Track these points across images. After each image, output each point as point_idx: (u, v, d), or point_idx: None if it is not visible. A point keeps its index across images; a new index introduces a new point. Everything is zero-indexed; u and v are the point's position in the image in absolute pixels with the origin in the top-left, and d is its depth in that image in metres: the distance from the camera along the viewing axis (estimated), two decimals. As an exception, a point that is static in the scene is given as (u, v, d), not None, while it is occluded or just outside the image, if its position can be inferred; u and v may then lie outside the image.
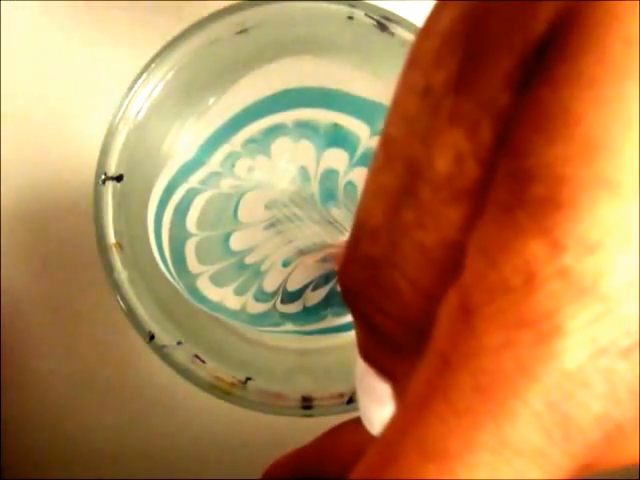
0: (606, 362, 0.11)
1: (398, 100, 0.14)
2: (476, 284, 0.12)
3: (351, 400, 0.30)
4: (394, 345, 0.15)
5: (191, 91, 0.30)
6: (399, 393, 0.16)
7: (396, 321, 0.15)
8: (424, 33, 0.13)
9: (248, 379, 0.30)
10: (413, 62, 0.13)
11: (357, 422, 0.19)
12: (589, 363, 0.11)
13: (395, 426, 0.13)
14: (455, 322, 0.12)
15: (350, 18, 0.28)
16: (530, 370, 0.11)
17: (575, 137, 0.11)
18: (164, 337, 0.30)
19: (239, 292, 0.31)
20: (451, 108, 0.13)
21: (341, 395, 0.30)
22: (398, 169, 0.14)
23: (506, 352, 0.12)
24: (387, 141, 0.14)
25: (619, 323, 0.11)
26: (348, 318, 0.31)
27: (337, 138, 0.30)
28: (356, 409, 0.29)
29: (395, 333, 0.15)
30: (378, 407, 0.16)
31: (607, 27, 0.11)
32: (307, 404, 0.30)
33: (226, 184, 0.31)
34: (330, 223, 0.31)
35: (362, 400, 0.17)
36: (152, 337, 0.29)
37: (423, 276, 0.14)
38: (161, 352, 0.30)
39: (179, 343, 0.30)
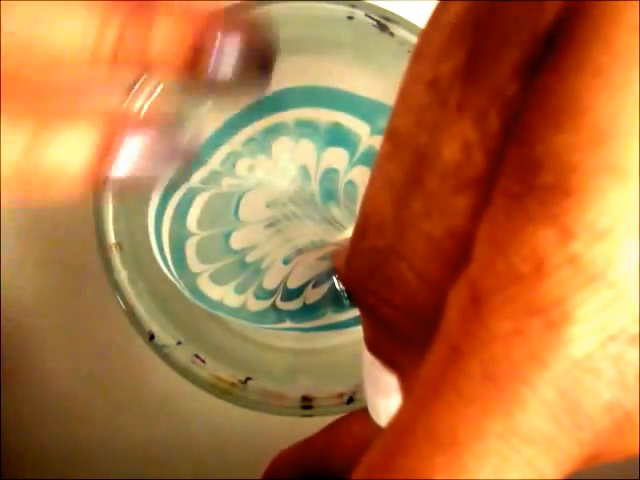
0: (615, 349, 0.11)
1: (405, 91, 0.14)
2: (485, 272, 0.12)
3: (351, 400, 0.30)
4: (400, 337, 0.15)
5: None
6: (406, 384, 0.16)
7: (402, 312, 0.15)
8: (432, 24, 0.13)
9: (248, 379, 0.30)
10: (421, 53, 0.14)
11: (363, 413, 0.19)
12: (598, 350, 0.11)
13: (404, 415, 0.13)
14: (464, 311, 0.12)
15: (350, 18, 0.28)
16: (539, 357, 0.12)
17: (583, 125, 0.11)
18: (164, 337, 0.30)
19: (239, 290, 0.31)
20: (458, 98, 0.13)
21: (341, 395, 0.30)
22: (405, 160, 0.14)
23: (515, 340, 0.12)
24: (394, 132, 0.14)
25: (628, 310, 0.11)
26: (348, 315, 0.31)
27: (337, 137, 0.30)
28: (356, 409, 0.29)
29: (401, 324, 0.15)
30: (385, 399, 0.16)
31: (614, 16, 0.11)
32: (307, 404, 0.30)
33: (227, 183, 0.31)
34: (330, 222, 0.31)
35: (369, 392, 0.17)
36: (152, 337, 0.29)
37: (430, 267, 0.14)
38: (161, 352, 0.30)
39: (179, 343, 0.30)
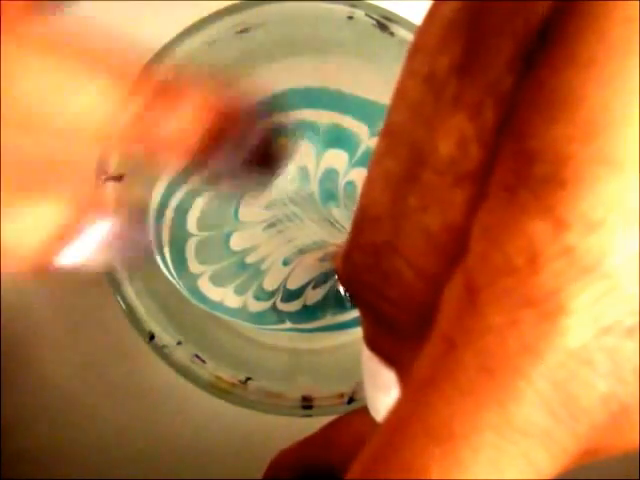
0: (611, 341, 0.11)
1: (402, 87, 0.14)
2: (480, 265, 0.12)
3: (351, 400, 0.30)
4: (398, 332, 0.15)
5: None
6: (404, 380, 0.16)
7: (400, 307, 0.15)
8: (428, 19, 0.13)
9: (248, 379, 0.30)
10: (417, 48, 0.14)
11: (362, 411, 0.19)
12: (593, 342, 0.11)
13: (400, 408, 0.13)
14: (460, 303, 0.12)
15: (350, 18, 0.29)
16: (534, 349, 0.12)
17: (577, 116, 0.11)
18: (164, 337, 0.30)
19: (239, 291, 0.31)
20: (454, 92, 0.13)
21: (341, 395, 0.30)
22: (402, 155, 0.14)
23: (511, 332, 0.12)
24: (391, 128, 0.14)
25: (623, 301, 0.11)
26: (348, 316, 0.31)
27: (337, 138, 0.30)
28: (356, 409, 0.29)
29: (399, 320, 0.15)
30: (384, 395, 0.16)
31: (607, 7, 0.11)
32: (307, 404, 0.30)
33: (226, 185, 0.31)
34: (330, 223, 0.31)
35: (368, 388, 0.17)
36: (152, 337, 0.29)
37: (427, 261, 0.14)
38: (161, 352, 0.30)
39: (179, 343, 0.30)
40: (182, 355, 0.30)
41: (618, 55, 0.11)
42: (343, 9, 0.28)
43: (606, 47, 0.11)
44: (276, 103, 0.30)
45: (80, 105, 0.17)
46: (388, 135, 0.14)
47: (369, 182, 0.15)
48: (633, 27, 0.11)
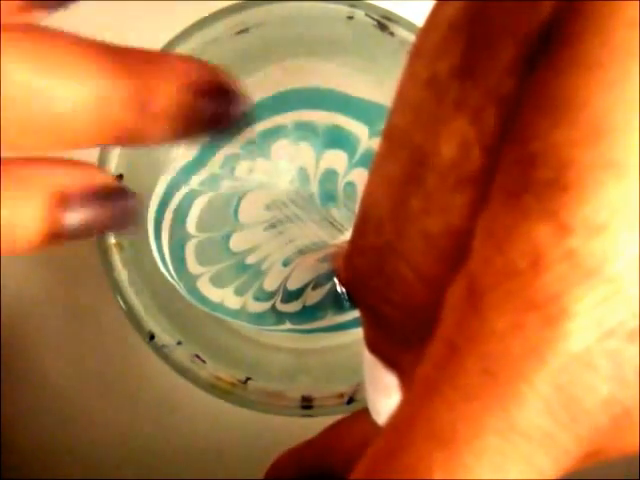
0: (613, 344, 0.12)
1: (403, 90, 0.14)
2: (483, 268, 0.12)
3: (351, 400, 0.30)
4: (400, 335, 0.15)
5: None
6: (405, 383, 0.16)
7: (401, 310, 0.15)
8: (429, 22, 0.13)
9: (248, 379, 0.30)
10: (418, 52, 0.14)
11: (363, 414, 0.19)
12: (596, 345, 0.11)
13: (403, 412, 0.13)
14: (462, 307, 0.12)
15: (350, 18, 0.29)
16: (537, 353, 0.12)
17: (580, 120, 0.11)
18: (164, 337, 0.30)
19: (239, 292, 0.31)
20: (456, 96, 0.13)
21: (341, 395, 0.30)
22: (403, 158, 0.14)
23: (513, 335, 0.12)
24: (392, 131, 0.14)
25: (626, 305, 0.11)
26: (348, 316, 0.31)
27: (336, 139, 0.30)
28: (356, 409, 0.29)
29: (400, 323, 0.15)
30: (385, 398, 0.16)
31: (611, 10, 0.11)
32: (307, 404, 0.30)
33: (226, 185, 0.31)
34: (330, 223, 0.31)
35: (369, 391, 0.17)
36: (152, 337, 0.29)
37: (428, 264, 0.14)
38: (161, 352, 0.30)
39: (179, 343, 0.30)
40: (182, 355, 0.30)
41: (621, 59, 0.11)
42: (343, 9, 0.28)
43: (611, 51, 0.11)
44: (275, 104, 0.30)
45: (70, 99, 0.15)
46: (389, 138, 0.14)
47: (370, 185, 0.15)
48: (636, 31, 0.11)
